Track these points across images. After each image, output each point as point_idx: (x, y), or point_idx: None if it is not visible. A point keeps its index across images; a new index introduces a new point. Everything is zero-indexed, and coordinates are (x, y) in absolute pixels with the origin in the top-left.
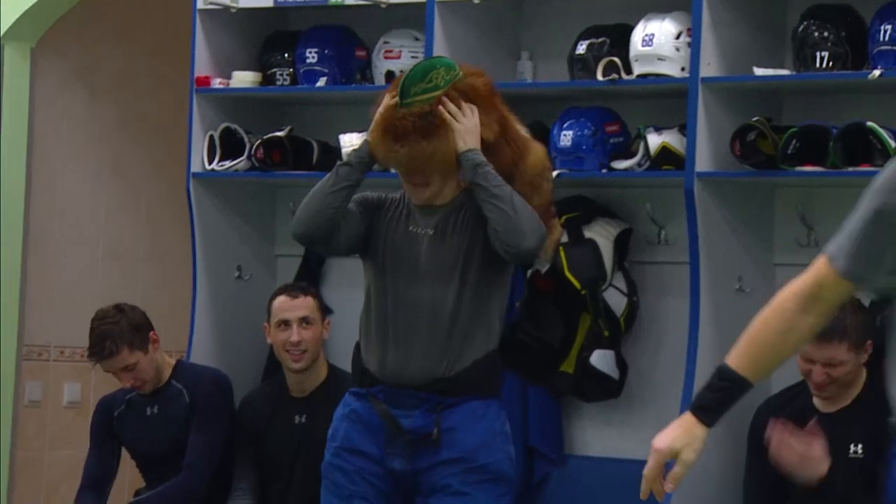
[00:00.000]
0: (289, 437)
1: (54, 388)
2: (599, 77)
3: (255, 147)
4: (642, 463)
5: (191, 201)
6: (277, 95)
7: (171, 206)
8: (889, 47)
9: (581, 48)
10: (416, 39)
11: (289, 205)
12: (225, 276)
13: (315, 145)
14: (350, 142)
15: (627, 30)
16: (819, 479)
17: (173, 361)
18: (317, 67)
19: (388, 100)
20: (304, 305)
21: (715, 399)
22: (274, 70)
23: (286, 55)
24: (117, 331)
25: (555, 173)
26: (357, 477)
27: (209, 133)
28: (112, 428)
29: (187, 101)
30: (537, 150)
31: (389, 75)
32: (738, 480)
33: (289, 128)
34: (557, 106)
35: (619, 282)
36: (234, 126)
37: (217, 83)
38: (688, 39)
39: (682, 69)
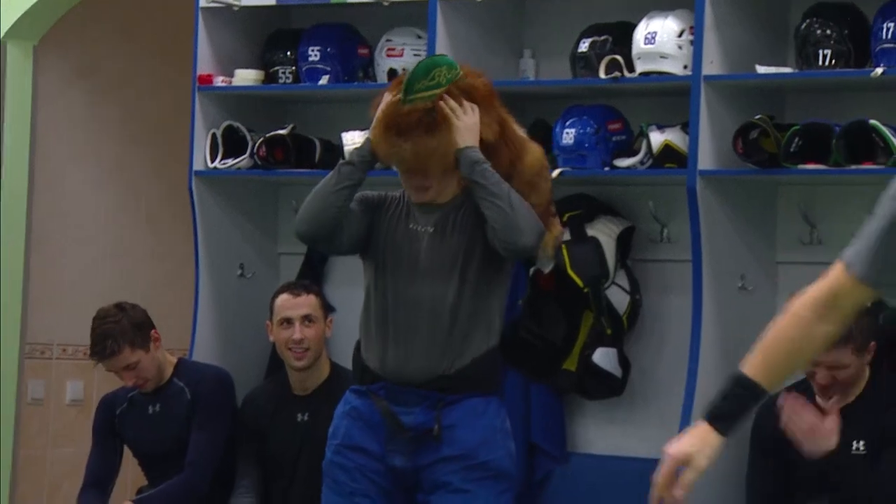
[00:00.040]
0: (291, 435)
1: (57, 386)
2: (602, 75)
3: (257, 145)
4: (645, 461)
5: (193, 199)
6: (280, 93)
7: (173, 205)
8: (892, 45)
9: (583, 46)
10: (419, 37)
11: (291, 203)
12: (227, 274)
13: (317, 143)
14: (353, 140)
15: (630, 28)
16: (826, 453)
17: (175, 359)
18: (319, 65)
19: (389, 97)
20: (306, 303)
21: (730, 407)
22: (276, 68)
23: (289, 53)
24: (118, 330)
25: (557, 171)
26: (358, 474)
27: (211, 131)
28: (114, 426)
29: (189, 100)
30: (535, 150)
31: (392, 73)
32: (741, 477)
33: (291, 126)
34: (560, 104)
35: (622, 280)
36: (236, 124)
37: (219, 81)
38: (690, 37)
39: (685, 67)
